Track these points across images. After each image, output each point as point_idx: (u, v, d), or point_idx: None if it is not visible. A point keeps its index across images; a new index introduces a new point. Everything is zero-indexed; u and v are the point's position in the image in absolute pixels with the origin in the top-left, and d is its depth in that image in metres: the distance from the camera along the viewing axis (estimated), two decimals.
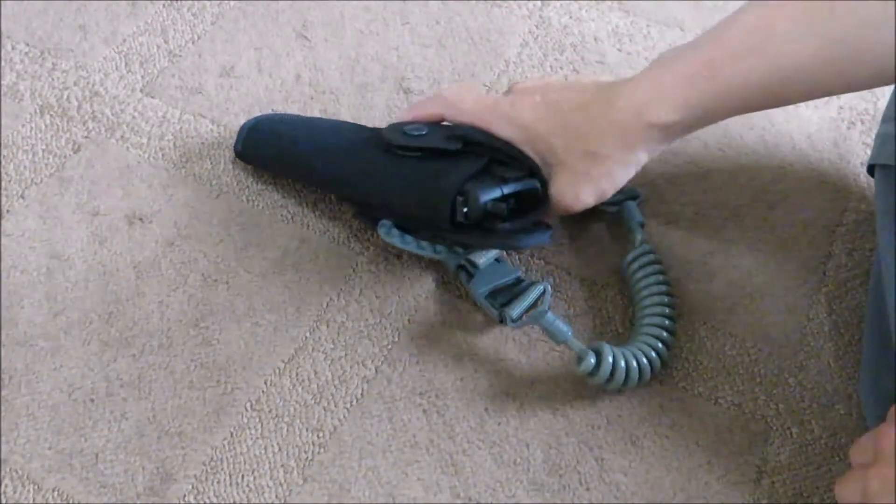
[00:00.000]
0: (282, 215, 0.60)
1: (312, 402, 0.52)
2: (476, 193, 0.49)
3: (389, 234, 0.53)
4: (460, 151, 0.52)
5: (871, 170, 0.55)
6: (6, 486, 0.49)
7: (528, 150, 0.51)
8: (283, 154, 0.59)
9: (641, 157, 0.49)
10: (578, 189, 0.50)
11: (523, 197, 0.51)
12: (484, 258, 0.54)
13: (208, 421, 0.51)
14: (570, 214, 0.52)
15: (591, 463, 0.50)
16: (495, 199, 0.49)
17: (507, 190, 0.49)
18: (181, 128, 0.64)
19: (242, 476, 0.50)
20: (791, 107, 0.65)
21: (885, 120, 0.55)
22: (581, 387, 0.53)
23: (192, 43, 0.70)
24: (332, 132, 0.60)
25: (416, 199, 0.52)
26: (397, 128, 0.55)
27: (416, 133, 0.53)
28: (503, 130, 0.51)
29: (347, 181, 0.56)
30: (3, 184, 0.61)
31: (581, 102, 0.50)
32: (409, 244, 0.53)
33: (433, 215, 0.50)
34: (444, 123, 0.55)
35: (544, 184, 0.51)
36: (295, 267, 0.57)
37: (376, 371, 0.53)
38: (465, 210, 0.49)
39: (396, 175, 0.53)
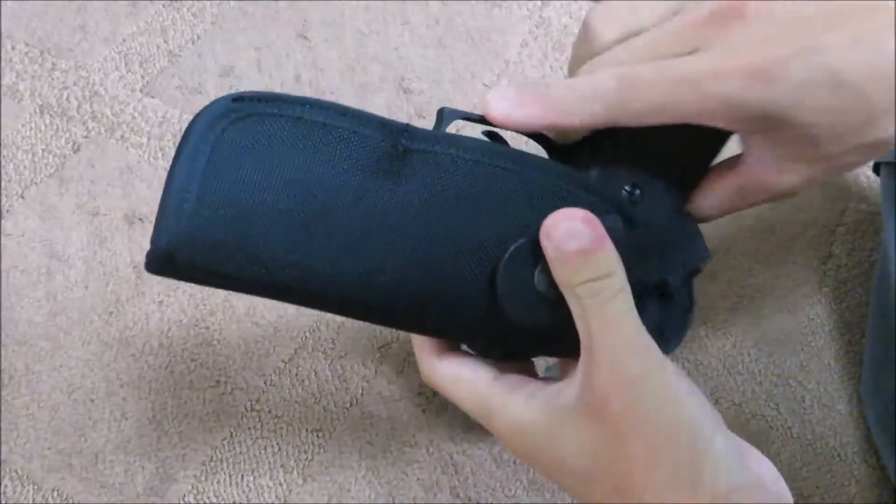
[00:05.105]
0: None
1: (312, 402, 0.52)
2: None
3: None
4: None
5: (876, 168, 0.55)
6: (6, 486, 0.49)
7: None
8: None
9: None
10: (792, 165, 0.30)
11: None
12: None
13: (208, 421, 0.51)
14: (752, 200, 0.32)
15: None
16: None
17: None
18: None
19: (242, 476, 0.50)
20: None
21: None
22: None
23: (192, 43, 0.69)
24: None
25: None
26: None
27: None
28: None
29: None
30: (3, 184, 0.61)
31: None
32: None
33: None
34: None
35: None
36: None
37: (376, 371, 0.53)
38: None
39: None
